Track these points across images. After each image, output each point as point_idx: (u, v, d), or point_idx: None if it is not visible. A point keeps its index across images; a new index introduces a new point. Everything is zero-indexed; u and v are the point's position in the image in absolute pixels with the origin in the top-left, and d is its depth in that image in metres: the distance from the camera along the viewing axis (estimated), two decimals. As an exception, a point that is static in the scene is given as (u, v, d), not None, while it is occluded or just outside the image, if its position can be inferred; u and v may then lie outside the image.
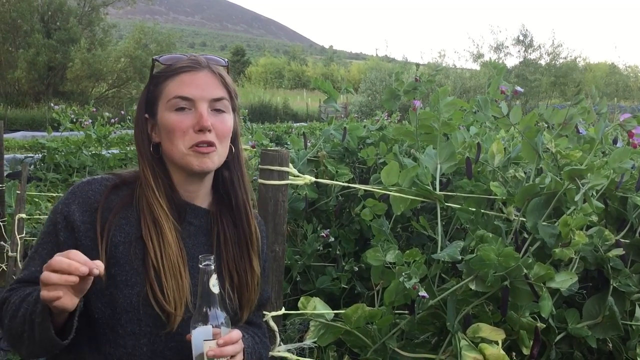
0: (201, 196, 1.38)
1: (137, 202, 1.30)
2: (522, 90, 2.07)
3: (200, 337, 1.17)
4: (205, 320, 1.18)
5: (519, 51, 35.75)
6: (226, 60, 1.38)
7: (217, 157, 1.31)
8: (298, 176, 1.88)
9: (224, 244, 1.37)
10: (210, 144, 1.28)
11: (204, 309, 1.18)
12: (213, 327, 1.18)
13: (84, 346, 1.25)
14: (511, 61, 36.35)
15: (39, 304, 1.11)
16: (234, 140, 1.40)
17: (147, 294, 1.23)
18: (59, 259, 1.05)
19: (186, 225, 1.34)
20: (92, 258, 1.17)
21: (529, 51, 35.41)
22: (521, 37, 35.33)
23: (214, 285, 1.19)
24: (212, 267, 1.19)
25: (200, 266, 1.18)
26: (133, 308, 1.23)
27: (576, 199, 1.61)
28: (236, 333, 1.22)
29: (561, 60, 35.41)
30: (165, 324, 1.25)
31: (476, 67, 35.36)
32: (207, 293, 1.18)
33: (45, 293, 1.05)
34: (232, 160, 1.39)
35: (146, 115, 1.33)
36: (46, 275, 1.05)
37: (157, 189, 1.29)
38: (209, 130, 1.27)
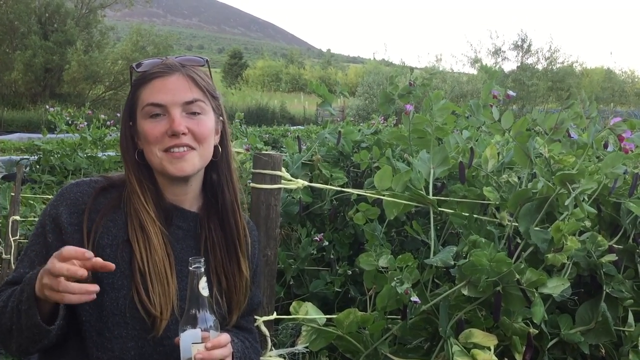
0: (189, 199, 1.37)
1: (124, 205, 1.30)
2: (514, 94, 2.07)
3: (189, 340, 1.17)
4: (194, 324, 1.17)
5: (516, 56, 35.88)
6: (204, 58, 1.37)
7: (197, 159, 1.30)
8: (291, 180, 1.87)
9: (211, 248, 1.36)
10: (188, 147, 1.27)
11: (193, 312, 1.17)
12: (202, 330, 1.17)
13: (71, 350, 1.25)
14: (508, 66, 36.45)
15: (25, 293, 1.12)
16: (223, 141, 1.39)
17: (133, 298, 1.22)
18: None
19: (174, 229, 1.34)
20: None
21: (527, 56, 35.52)
22: (519, 42, 35.43)
23: (203, 288, 1.18)
24: (202, 269, 1.18)
25: (190, 269, 1.18)
26: (120, 311, 1.23)
27: (566, 203, 1.61)
28: (225, 337, 1.21)
29: (558, 65, 35.50)
30: (152, 324, 1.24)
31: (474, 71, 35.45)
32: (196, 296, 1.18)
33: (58, 297, 1.07)
34: (220, 161, 1.38)
35: (130, 123, 1.33)
36: (65, 285, 1.06)
37: (142, 195, 1.29)
38: (183, 134, 1.26)
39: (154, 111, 1.27)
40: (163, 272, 1.25)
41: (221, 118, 1.39)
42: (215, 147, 1.36)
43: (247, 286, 1.41)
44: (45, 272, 1.08)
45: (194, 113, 1.29)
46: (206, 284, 1.19)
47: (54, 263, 1.07)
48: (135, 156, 1.32)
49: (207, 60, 1.38)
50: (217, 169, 1.39)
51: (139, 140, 1.32)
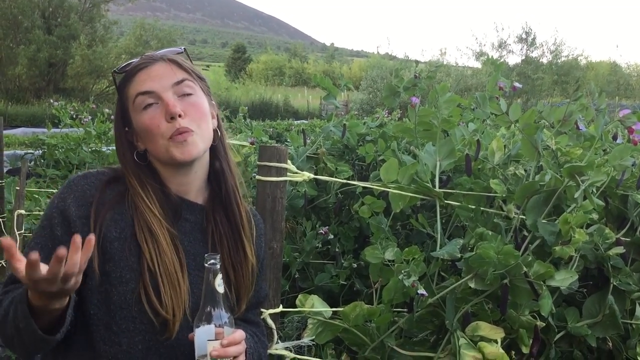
0: (194, 190, 1.36)
1: (129, 206, 1.29)
2: (520, 86, 2.05)
3: (204, 337, 1.16)
4: (209, 320, 1.17)
5: (521, 49, 35.73)
6: (182, 47, 1.38)
7: (199, 141, 1.28)
8: (296, 173, 1.87)
9: (219, 240, 1.36)
10: (186, 131, 1.26)
11: (208, 309, 1.17)
12: (216, 326, 1.17)
13: (78, 344, 1.24)
14: (513, 59, 36.33)
15: (19, 310, 1.10)
16: (219, 122, 1.39)
17: (140, 294, 1.22)
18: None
19: (182, 222, 1.33)
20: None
21: (531, 49, 35.37)
22: (524, 35, 35.28)
23: (219, 284, 1.18)
24: (218, 266, 1.18)
25: (206, 265, 1.17)
26: (127, 305, 1.22)
27: (576, 195, 1.60)
28: (239, 333, 1.21)
29: (563, 59, 35.34)
30: (160, 324, 1.24)
31: (478, 65, 35.33)
32: (211, 292, 1.17)
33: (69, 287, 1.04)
34: (218, 146, 1.38)
35: (126, 129, 1.33)
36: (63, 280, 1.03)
37: (147, 197, 1.28)
38: (180, 116, 1.25)
39: (146, 101, 1.26)
40: (174, 274, 1.24)
41: (212, 101, 1.38)
42: (214, 131, 1.36)
43: (253, 271, 1.40)
44: (37, 288, 1.03)
45: (186, 94, 1.28)
46: (222, 280, 1.18)
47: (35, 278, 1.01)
48: (135, 157, 1.31)
49: (184, 48, 1.38)
50: (218, 157, 1.38)
51: (139, 142, 1.31)
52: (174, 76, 1.28)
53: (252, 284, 1.40)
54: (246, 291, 1.38)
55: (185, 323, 1.26)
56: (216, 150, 1.37)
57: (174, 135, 1.25)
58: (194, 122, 1.27)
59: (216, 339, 1.16)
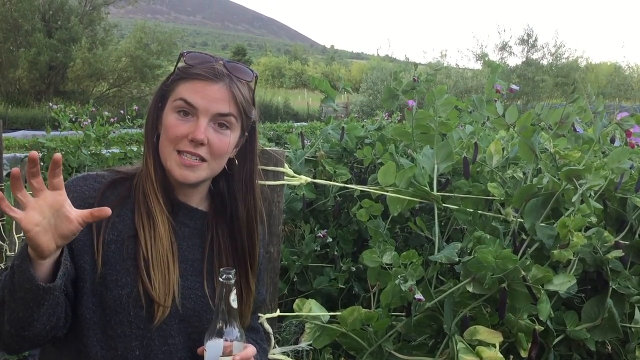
0: (197, 199, 1.36)
1: (134, 191, 1.28)
2: (517, 88, 2.05)
3: (215, 352, 1.17)
4: (220, 334, 1.17)
5: (522, 51, 35.74)
6: (253, 73, 1.33)
7: (204, 173, 1.28)
8: (294, 176, 1.86)
9: (217, 252, 1.35)
10: (200, 158, 1.25)
11: (220, 324, 1.17)
12: (228, 341, 1.17)
13: (74, 348, 1.24)
14: (514, 61, 36.37)
15: (15, 262, 1.07)
16: (244, 155, 1.37)
17: (139, 292, 1.21)
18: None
19: (181, 226, 1.32)
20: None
21: (532, 51, 35.39)
22: (525, 37, 35.30)
23: (233, 300, 1.18)
24: (232, 281, 1.18)
25: (220, 280, 1.17)
26: (123, 309, 1.21)
27: (573, 199, 1.59)
28: (251, 349, 1.22)
29: (563, 60, 35.35)
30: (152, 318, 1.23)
31: (479, 66, 35.33)
32: (225, 307, 1.17)
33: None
34: (236, 175, 1.36)
35: (160, 104, 1.31)
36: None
37: (155, 181, 1.27)
38: (202, 144, 1.24)
39: (183, 108, 1.25)
40: (165, 261, 1.24)
41: (246, 134, 1.36)
42: (231, 160, 1.35)
43: (250, 302, 1.39)
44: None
45: (221, 125, 1.27)
46: (236, 296, 1.19)
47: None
48: (154, 139, 1.30)
49: (256, 75, 1.34)
50: (227, 180, 1.37)
51: (159, 124, 1.30)
52: (223, 106, 1.25)
53: (248, 313, 1.39)
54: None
55: (180, 324, 1.26)
56: (228, 175, 1.37)
57: (184, 156, 1.25)
58: (210, 154, 1.26)
59: (226, 354, 1.17)
